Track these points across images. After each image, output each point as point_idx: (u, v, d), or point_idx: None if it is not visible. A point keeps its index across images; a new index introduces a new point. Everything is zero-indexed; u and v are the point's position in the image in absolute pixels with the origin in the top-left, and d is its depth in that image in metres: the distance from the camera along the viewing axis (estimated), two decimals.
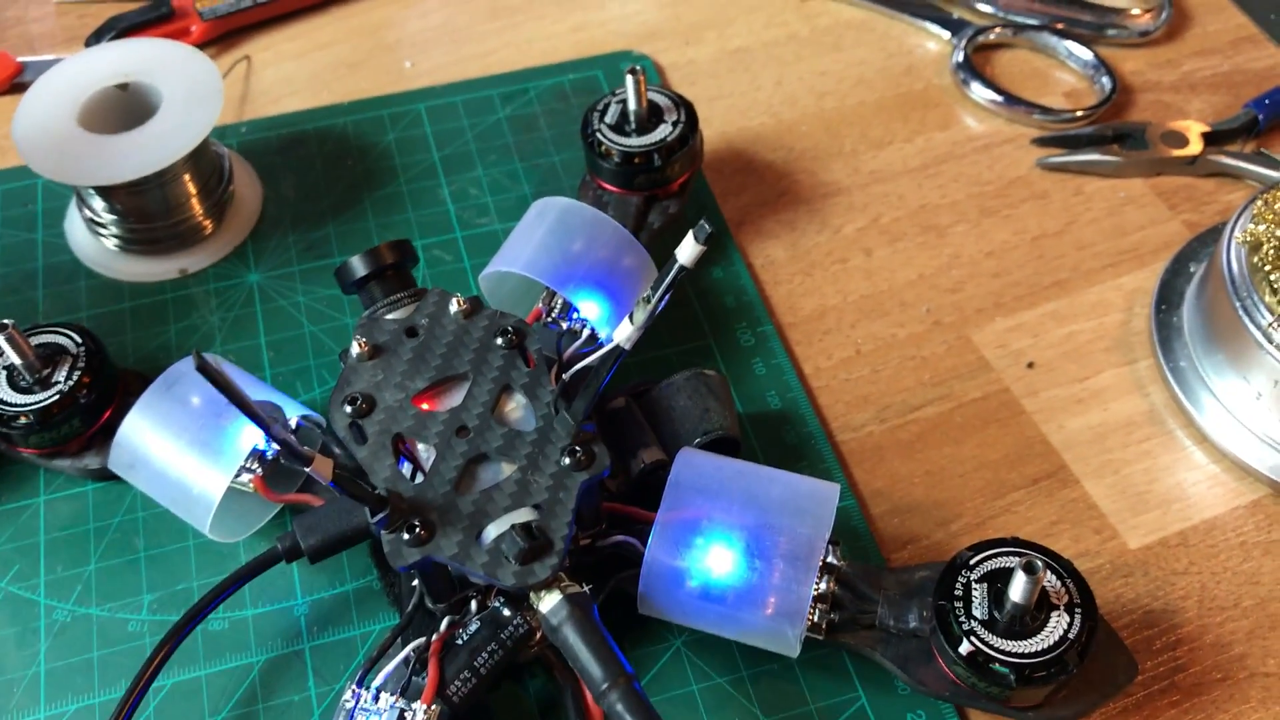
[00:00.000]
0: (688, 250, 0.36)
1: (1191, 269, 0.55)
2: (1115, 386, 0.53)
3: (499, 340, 0.44)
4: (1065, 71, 0.66)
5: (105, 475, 0.48)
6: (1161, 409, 0.52)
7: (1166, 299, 0.55)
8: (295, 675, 0.45)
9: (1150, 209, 0.59)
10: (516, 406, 0.43)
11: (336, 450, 0.45)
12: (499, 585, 0.39)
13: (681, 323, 0.55)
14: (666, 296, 0.38)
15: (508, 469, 0.41)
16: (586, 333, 0.47)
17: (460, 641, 0.41)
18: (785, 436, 0.51)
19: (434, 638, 0.41)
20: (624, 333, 0.39)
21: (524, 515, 0.40)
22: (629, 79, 0.53)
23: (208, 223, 0.58)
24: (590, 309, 0.47)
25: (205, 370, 0.31)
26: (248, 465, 0.45)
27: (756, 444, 0.51)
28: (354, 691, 0.40)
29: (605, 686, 0.37)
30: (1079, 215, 0.59)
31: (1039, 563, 0.38)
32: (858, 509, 0.49)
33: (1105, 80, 0.64)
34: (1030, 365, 0.54)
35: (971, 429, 0.52)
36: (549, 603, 0.39)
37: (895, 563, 0.47)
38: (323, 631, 0.46)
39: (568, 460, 0.41)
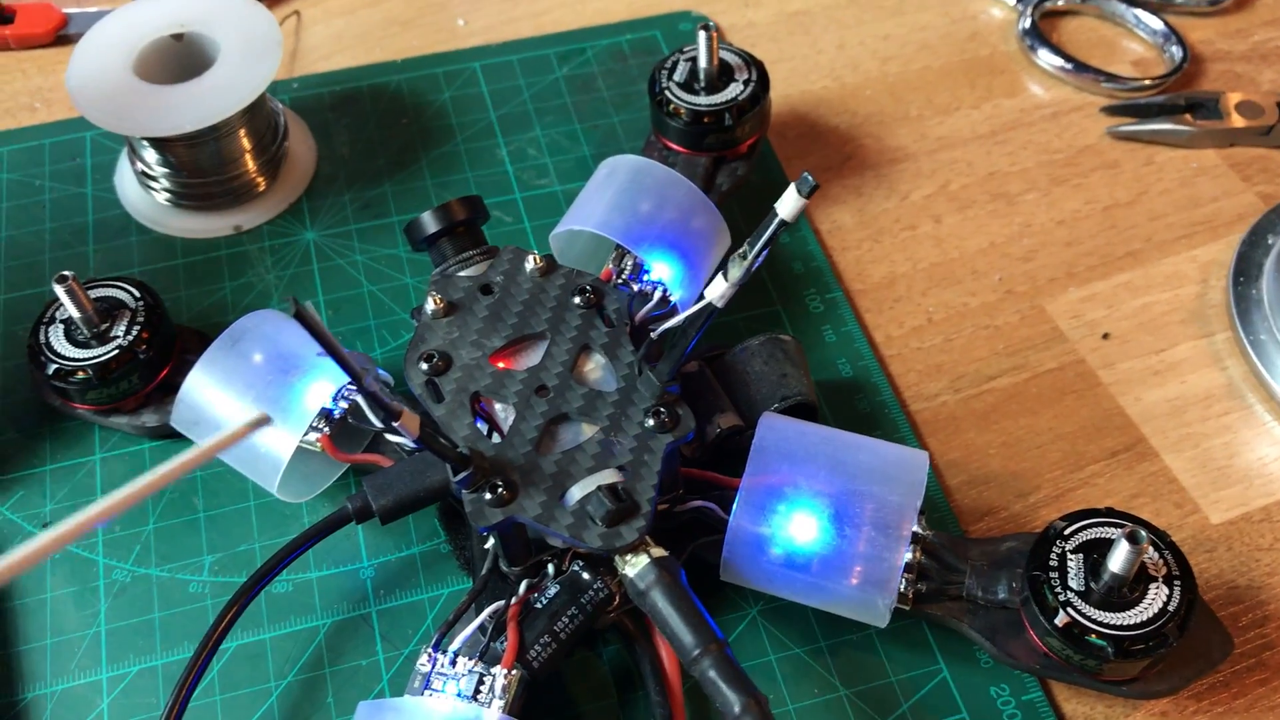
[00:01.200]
0: (789, 204, 0.35)
1: (1270, 240, 0.54)
2: (1193, 359, 0.52)
3: (576, 299, 0.43)
4: (1133, 40, 0.65)
5: (162, 433, 0.47)
6: (1240, 383, 0.51)
7: (1244, 271, 0.53)
8: (362, 639, 0.44)
9: (1223, 180, 0.58)
10: (596, 367, 0.42)
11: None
12: (584, 548, 0.38)
13: (749, 289, 0.53)
14: (765, 252, 0.36)
15: (589, 430, 0.40)
16: (659, 295, 0.46)
17: (538, 606, 0.40)
18: (858, 405, 0.50)
19: (513, 601, 0.40)
20: (717, 290, 0.38)
21: (609, 476, 0.39)
22: (701, 35, 0.51)
23: (261, 179, 0.56)
24: (662, 270, 0.46)
25: (302, 317, 0.30)
26: (314, 424, 0.44)
27: (829, 412, 0.49)
28: (430, 656, 0.38)
29: (697, 653, 0.36)
30: (1151, 185, 0.58)
31: (1143, 533, 0.37)
32: (934, 479, 0.48)
33: (1175, 49, 0.63)
34: (1105, 336, 0.52)
35: (1047, 400, 0.50)
36: (636, 566, 0.38)
37: (974, 534, 0.46)
38: (389, 595, 0.45)
39: (652, 422, 0.40)
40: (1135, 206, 0.57)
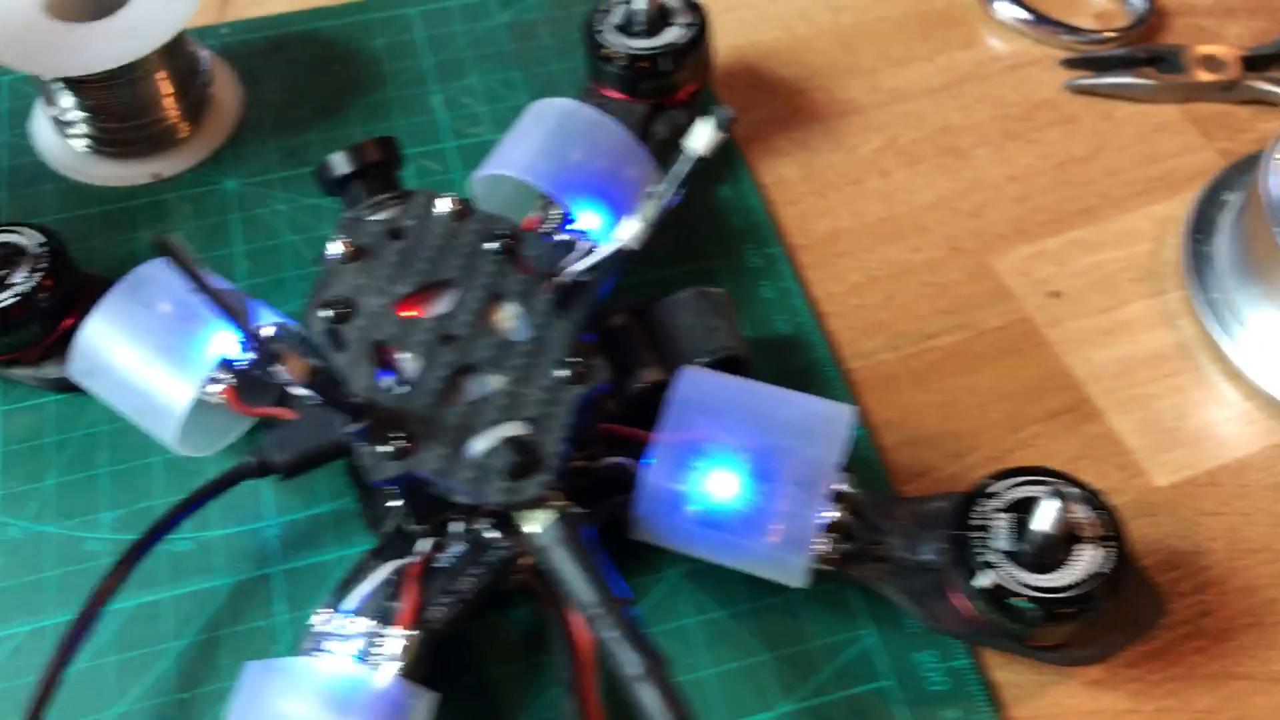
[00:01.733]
0: (704, 137, 0.34)
1: (1227, 197, 0.52)
2: (1144, 318, 0.50)
3: (491, 245, 0.41)
4: None
5: (66, 386, 0.45)
6: (1192, 342, 0.49)
7: (1200, 228, 0.52)
8: (264, 600, 0.42)
9: (1184, 136, 0.56)
10: (509, 316, 0.40)
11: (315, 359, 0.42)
12: (485, 503, 0.36)
13: (685, 242, 0.51)
14: (680, 191, 0.34)
15: (497, 381, 0.38)
16: (585, 245, 0.44)
17: (442, 565, 0.38)
18: (793, 363, 0.48)
19: (414, 560, 0.38)
20: (630, 231, 0.36)
21: (514, 429, 0.37)
22: None
23: (184, 126, 0.54)
24: (590, 220, 0.44)
25: (166, 248, 0.28)
26: (219, 376, 0.42)
27: (763, 370, 0.47)
28: (325, 615, 0.37)
29: (596, 612, 0.34)
30: (1108, 140, 0.56)
31: (1069, 490, 0.35)
32: (868, 439, 0.46)
33: (1138, 1, 0.61)
34: (1054, 294, 0.50)
35: (990, 359, 0.48)
36: (538, 522, 0.36)
37: (907, 495, 0.45)
38: (295, 555, 0.43)
39: (563, 372, 0.38)
40: (1091, 162, 0.55)
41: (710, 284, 0.47)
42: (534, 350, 0.39)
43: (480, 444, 0.36)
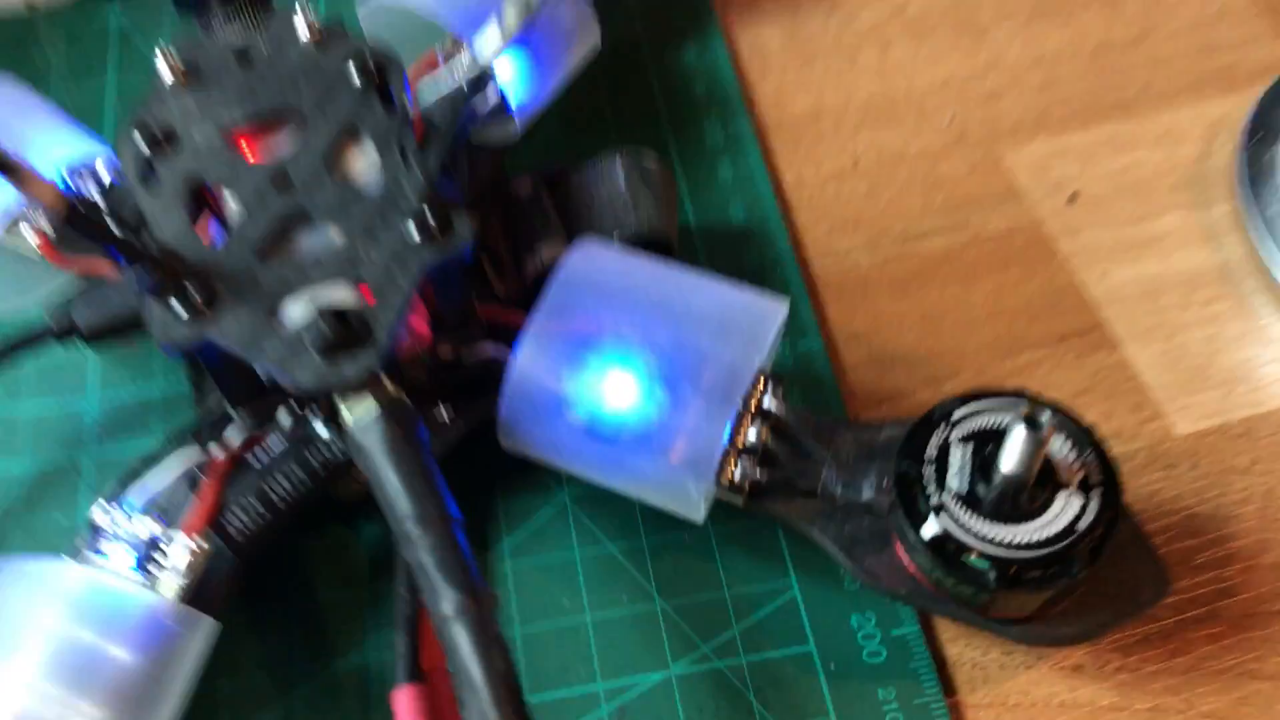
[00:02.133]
0: None
1: None
2: (1180, 232, 0.41)
3: (354, 76, 0.33)
4: None
5: None
6: (1237, 265, 0.40)
7: (1260, 133, 0.42)
8: (67, 490, 0.35)
9: (1250, 25, 0.47)
10: (367, 164, 0.32)
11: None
12: (293, 385, 0.28)
13: (633, 108, 0.43)
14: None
15: (335, 236, 0.30)
16: (495, 97, 0.36)
17: (257, 464, 0.31)
18: (746, 257, 0.40)
19: (220, 453, 0.30)
20: (489, 45, 0.28)
21: (337, 294, 0.29)
22: None
23: None
24: (502, 68, 0.36)
25: None
26: (30, 218, 0.34)
27: (703, 263, 0.39)
28: (105, 508, 0.30)
29: (411, 528, 0.26)
30: (1158, 25, 0.47)
31: (1047, 418, 0.27)
32: (825, 353, 0.38)
33: None
34: (1073, 198, 0.42)
35: (987, 268, 0.40)
36: (359, 414, 0.28)
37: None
38: (113, 439, 0.36)
39: (414, 229, 0.30)
40: (1134, 49, 0.46)
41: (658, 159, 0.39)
42: (386, 203, 0.31)
43: (294, 311, 0.29)
